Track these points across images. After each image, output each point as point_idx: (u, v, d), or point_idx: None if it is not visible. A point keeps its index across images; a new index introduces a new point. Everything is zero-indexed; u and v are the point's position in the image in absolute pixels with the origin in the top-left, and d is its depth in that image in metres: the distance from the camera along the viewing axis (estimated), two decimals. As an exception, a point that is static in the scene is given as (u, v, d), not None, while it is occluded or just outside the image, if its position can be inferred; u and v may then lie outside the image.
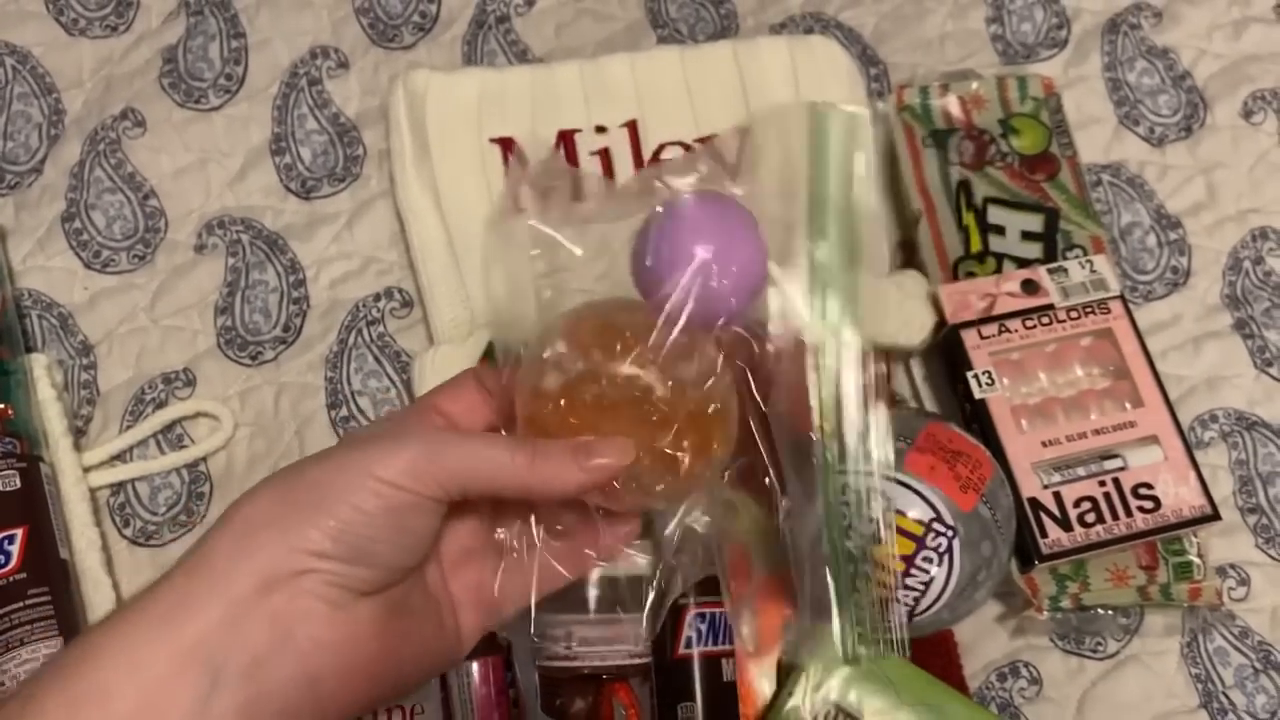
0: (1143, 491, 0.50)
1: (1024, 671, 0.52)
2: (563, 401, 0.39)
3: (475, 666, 0.49)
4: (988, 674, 0.52)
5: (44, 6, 0.64)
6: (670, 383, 0.39)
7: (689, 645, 0.48)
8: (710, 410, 0.40)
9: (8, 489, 0.50)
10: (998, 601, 0.53)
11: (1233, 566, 0.54)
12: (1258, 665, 0.52)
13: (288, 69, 0.62)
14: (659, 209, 0.42)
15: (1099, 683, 0.52)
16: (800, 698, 0.48)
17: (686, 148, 0.59)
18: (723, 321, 0.41)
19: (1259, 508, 0.55)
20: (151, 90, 0.62)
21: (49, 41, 0.63)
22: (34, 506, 0.50)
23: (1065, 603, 0.50)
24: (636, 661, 0.47)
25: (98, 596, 0.51)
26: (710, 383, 0.40)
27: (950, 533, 0.45)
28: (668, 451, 0.39)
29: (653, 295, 0.40)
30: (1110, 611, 0.51)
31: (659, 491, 0.40)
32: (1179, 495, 0.50)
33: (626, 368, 0.39)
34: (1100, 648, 0.52)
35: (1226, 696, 0.52)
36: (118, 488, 0.55)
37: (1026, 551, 0.50)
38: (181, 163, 0.60)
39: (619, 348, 0.39)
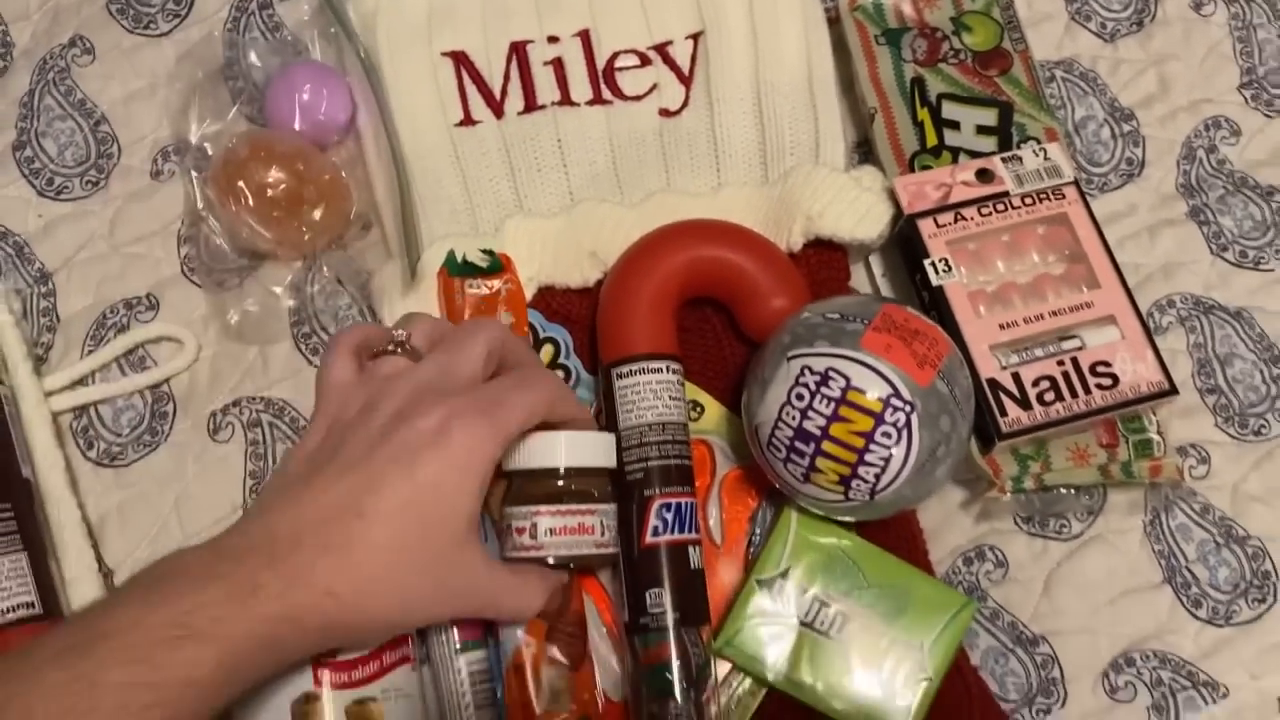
0: (1100, 369, 0.51)
1: (989, 555, 0.53)
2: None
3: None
4: (954, 558, 0.53)
5: (-13, -62, 0.63)
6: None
7: (655, 534, 0.48)
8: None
9: (-33, 409, 0.50)
10: (962, 487, 0.54)
11: (1193, 446, 0.54)
12: (1219, 539, 0.53)
13: (237, -8, 0.62)
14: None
15: (1064, 563, 0.52)
16: (768, 592, 0.49)
17: (641, 55, 0.59)
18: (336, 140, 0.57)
19: (1218, 388, 0.55)
20: (100, 18, 0.61)
21: (-7, -27, 0.62)
22: (-6, 426, 0.50)
23: (1028, 483, 0.51)
24: (603, 552, 0.47)
25: (61, 514, 0.51)
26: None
27: (908, 408, 0.45)
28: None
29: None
30: (1073, 490, 0.51)
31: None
32: (1136, 372, 0.51)
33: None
34: (1064, 529, 0.53)
35: (1190, 571, 0.52)
36: (80, 411, 0.55)
37: (987, 433, 0.50)
38: (132, 88, 0.60)
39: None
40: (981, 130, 0.57)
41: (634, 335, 0.51)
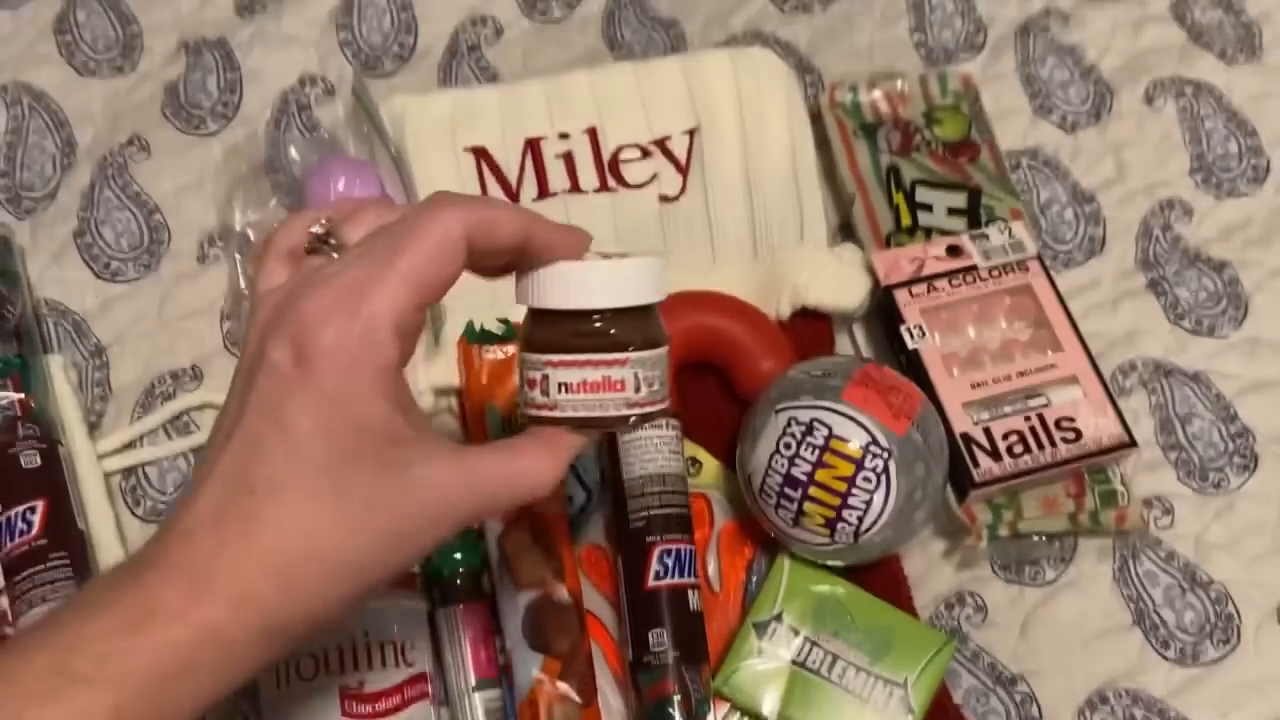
0: (1065, 424, 0.55)
1: (969, 600, 0.56)
2: None
3: (461, 610, 0.53)
4: (937, 604, 0.56)
5: (57, 51, 0.70)
6: None
7: (657, 578, 0.52)
8: None
9: (30, 466, 0.55)
10: (943, 538, 0.58)
11: (1158, 498, 0.58)
12: (1184, 584, 0.56)
13: (279, 96, 0.69)
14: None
15: (1039, 607, 0.56)
16: (762, 634, 0.53)
17: (642, 149, 0.65)
18: None
19: (1179, 444, 0.60)
20: (155, 119, 0.68)
21: (62, 82, 0.69)
22: (53, 482, 0.55)
23: (1002, 530, 0.55)
24: (636, 411, 0.37)
25: (111, 562, 0.56)
26: None
27: (885, 454, 0.49)
28: None
29: None
30: (1044, 538, 0.55)
31: None
32: (1098, 426, 0.55)
33: None
34: (1039, 575, 0.57)
35: (1158, 614, 0.56)
36: (129, 472, 0.60)
37: (962, 482, 0.54)
38: (182, 181, 0.66)
39: None
40: (953, 212, 0.63)
41: (637, 396, 0.56)
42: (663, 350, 0.38)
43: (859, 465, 0.49)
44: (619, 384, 0.37)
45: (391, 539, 0.34)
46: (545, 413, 0.37)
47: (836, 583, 0.54)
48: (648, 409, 0.38)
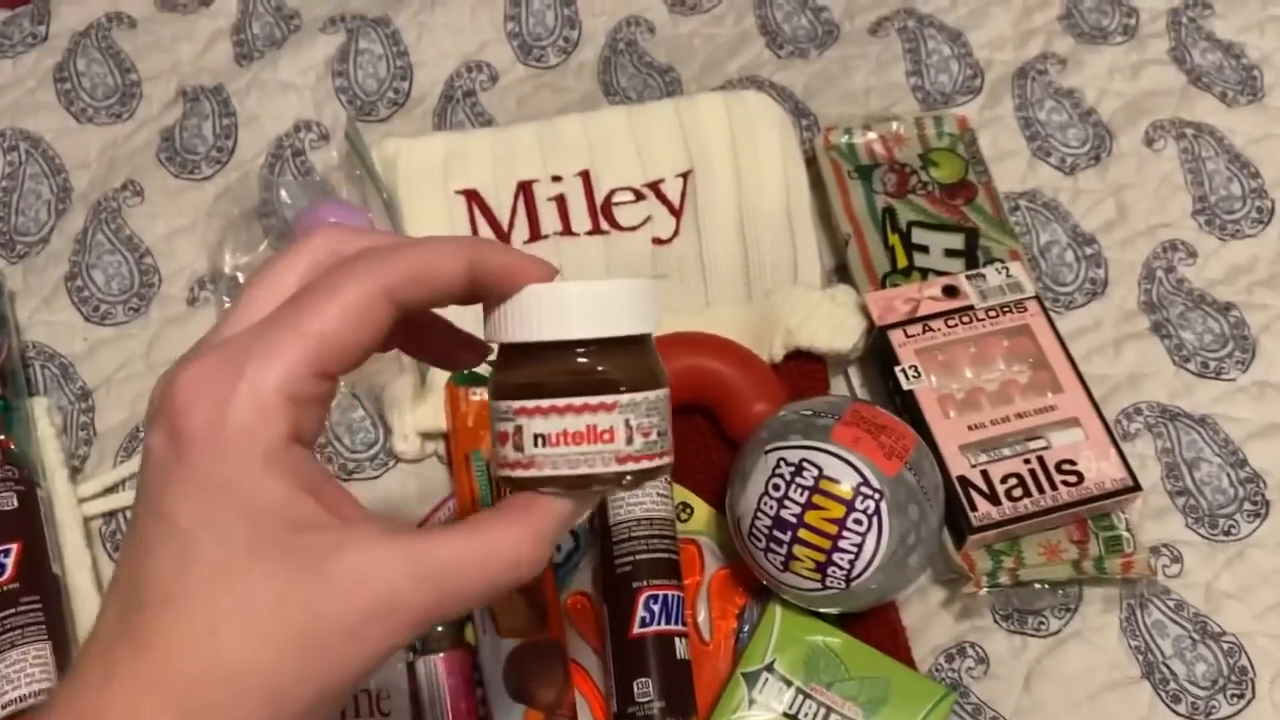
0: (1066, 467, 0.53)
1: (970, 651, 0.54)
2: None
3: (442, 659, 0.52)
4: (936, 656, 0.54)
5: (56, 98, 0.71)
6: None
7: (643, 625, 0.50)
8: None
9: (6, 508, 0.54)
10: (942, 587, 0.56)
11: (1166, 546, 0.56)
12: (1195, 636, 0.54)
13: (273, 141, 0.69)
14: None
15: (1044, 659, 0.54)
16: (753, 685, 0.51)
17: (635, 191, 0.65)
18: None
19: (1186, 490, 0.58)
20: (149, 164, 0.68)
21: (59, 128, 0.70)
22: (29, 524, 0.54)
23: (1002, 578, 0.53)
24: (626, 468, 0.30)
25: (86, 609, 0.54)
26: None
27: (877, 495, 0.48)
28: None
29: None
30: (1047, 586, 0.53)
31: None
32: (1101, 469, 0.53)
33: None
34: (1042, 626, 0.55)
35: (1167, 666, 0.53)
36: (110, 516, 0.59)
37: (959, 527, 0.53)
38: (175, 225, 0.66)
39: None
40: (950, 253, 0.62)
41: (625, 439, 0.55)
42: (662, 393, 0.31)
43: (850, 507, 0.48)
44: (606, 433, 0.30)
45: (311, 648, 0.27)
46: (520, 472, 0.30)
47: (831, 632, 0.52)
48: (644, 464, 0.30)
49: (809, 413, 0.51)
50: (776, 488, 0.49)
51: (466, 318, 0.34)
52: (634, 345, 0.31)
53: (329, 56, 0.71)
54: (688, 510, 0.57)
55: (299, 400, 0.28)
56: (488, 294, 0.31)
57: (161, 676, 0.27)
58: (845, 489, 0.48)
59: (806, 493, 0.48)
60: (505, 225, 0.64)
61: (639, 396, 0.30)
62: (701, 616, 0.54)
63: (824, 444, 0.49)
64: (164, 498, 0.28)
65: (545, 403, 0.30)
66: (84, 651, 0.28)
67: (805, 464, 0.49)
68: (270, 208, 0.66)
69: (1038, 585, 0.53)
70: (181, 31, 0.73)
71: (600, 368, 0.30)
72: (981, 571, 0.53)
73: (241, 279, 0.63)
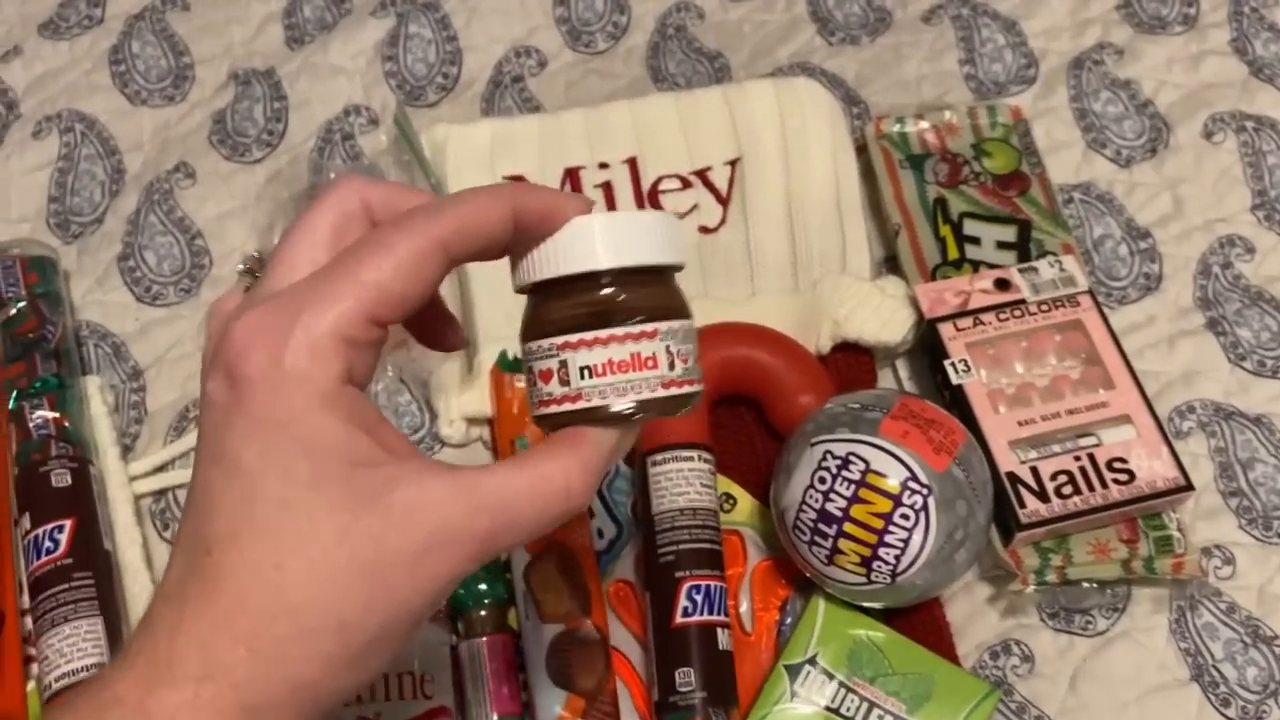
0: (1117, 465, 0.53)
1: (1016, 649, 0.54)
2: None
3: (485, 643, 0.52)
4: (980, 653, 0.54)
5: (111, 81, 0.71)
6: None
7: (685, 615, 0.50)
8: None
9: (60, 485, 0.55)
10: (987, 583, 0.55)
11: (1218, 547, 0.55)
12: (1246, 639, 0.53)
13: (323, 125, 0.69)
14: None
15: (1090, 659, 0.53)
16: (795, 678, 0.51)
17: (682, 179, 0.65)
18: None
19: (1240, 491, 0.57)
20: (201, 146, 0.69)
21: (114, 110, 0.70)
22: (82, 501, 0.55)
23: (1050, 576, 0.52)
24: (674, 392, 0.31)
25: (136, 585, 0.55)
26: None
27: (925, 490, 0.47)
28: None
29: None
30: (1095, 585, 0.53)
31: None
32: (1152, 468, 0.53)
33: None
34: (1090, 625, 0.54)
35: (1217, 670, 0.53)
36: (159, 495, 0.60)
37: (1007, 524, 0.52)
38: (226, 207, 0.67)
39: None
40: (1001, 245, 0.61)
41: (668, 426, 0.54)
42: (692, 322, 0.32)
43: (897, 501, 0.47)
44: (650, 360, 0.30)
45: (375, 579, 0.28)
46: (568, 405, 0.30)
47: (874, 627, 0.52)
48: (686, 389, 0.31)
49: (856, 406, 0.50)
50: (822, 480, 0.49)
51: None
52: (667, 275, 0.32)
53: (379, 41, 0.71)
54: (731, 501, 0.56)
55: (352, 344, 0.29)
56: (528, 235, 0.31)
57: (231, 614, 0.27)
58: (892, 483, 0.47)
59: (853, 486, 0.48)
60: (552, 212, 0.64)
61: (676, 324, 0.31)
62: (744, 608, 0.54)
63: (871, 437, 0.48)
64: (225, 440, 0.28)
65: (589, 335, 0.30)
66: (155, 597, 0.29)
67: (852, 457, 0.48)
68: (319, 191, 0.66)
69: (1086, 584, 0.52)
70: (234, 15, 0.73)
71: (629, 297, 0.31)
72: (1029, 569, 0.52)
73: (290, 262, 0.63)
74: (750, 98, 0.65)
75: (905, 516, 0.47)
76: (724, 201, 0.64)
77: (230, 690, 0.27)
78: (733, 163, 0.64)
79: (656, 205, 0.64)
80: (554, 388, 0.31)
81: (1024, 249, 0.60)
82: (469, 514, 0.29)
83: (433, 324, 0.36)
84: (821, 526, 0.48)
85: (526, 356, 0.32)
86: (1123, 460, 0.53)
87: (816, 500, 0.49)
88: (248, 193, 0.67)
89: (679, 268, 0.33)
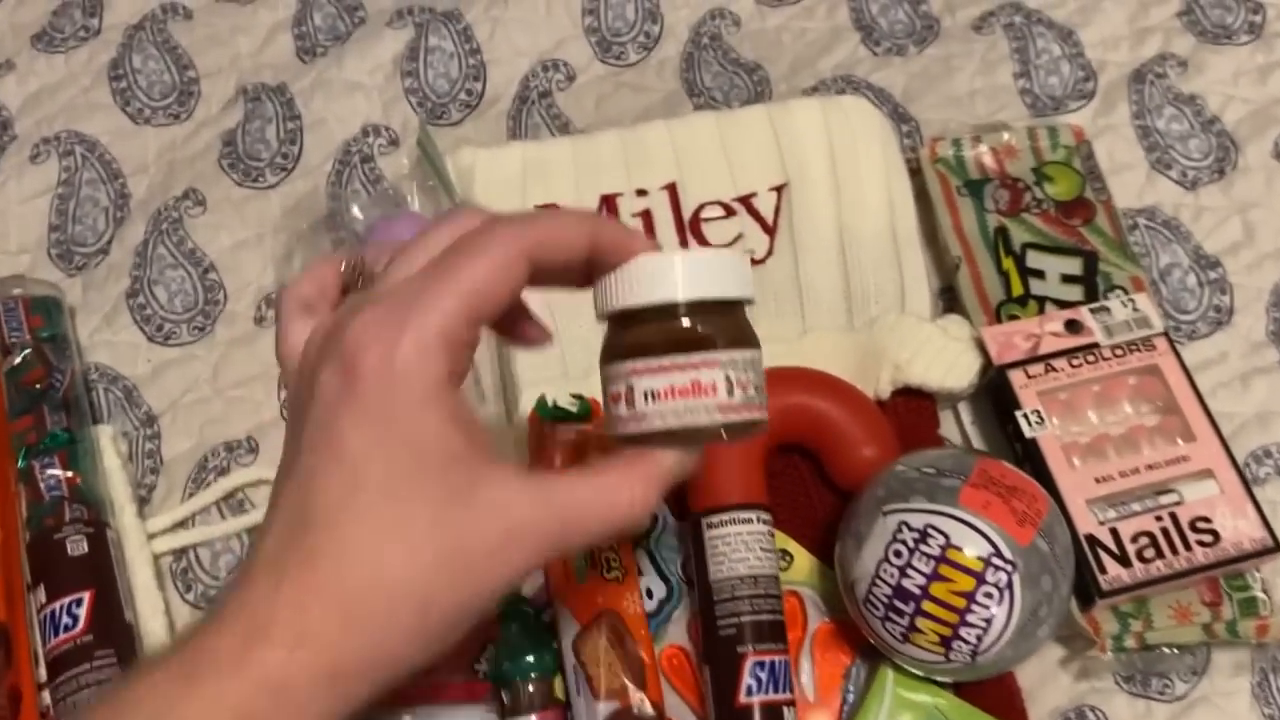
0: (1200, 525, 0.50)
1: (1090, 716, 0.51)
2: None
3: (535, 718, 0.49)
4: (1053, 719, 0.51)
5: (112, 98, 0.67)
6: None
7: (749, 694, 0.48)
8: None
9: (76, 553, 0.51)
10: (1060, 644, 0.52)
11: (1299, 603, 0.53)
12: (1333, 703, 0.51)
13: (340, 147, 0.65)
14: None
15: (1169, 725, 0.51)
16: (864, 743, 0.48)
17: (725, 207, 0.61)
18: None
19: (1322, 542, 0.54)
20: (211, 171, 0.64)
21: (116, 130, 0.66)
22: (101, 571, 0.52)
23: (1129, 642, 0.49)
24: (731, 419, 0.33)
25: (162, 658, 0.52)
26: None
27: (1010, 567, 0.44)
28: None
29: None
30: (1175, 650, 0.50)
31: None
32: (1238, 528, 0.50)
33: None
34: (1167, 689, 0.51)
35: (1303, 736, 0.50)
36: (180, 553, 0.56)
37: (1086, 590, 0.49)
38: (239, 237, 0.63)
39: None
40: (1067, 279, 0.57)
41: (724, 484, 0.51)
42: (757, 353, 0.35)
43: (980, 579, 0.44)
44: (710, 388, 0.33)
45: (460, 564, 0.31)
46: (633, 427, 0.34)
47: (943, 695, 0.49)
48: (744, 415, 0.34)
49: (931, 471, 0.47)
50: (898, 554, 0.46)
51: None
52: (732, 308, 0.34)
53: (397, 54, 0.67)
54: (788, 558, 0.54)
55: (455, 344, 0.32)
56: (601, 264, 0.34)
57: (328, 585, 0.30)
58: (975, 559, 0.45)
59: (932, 562, 0.45)
60: (589, 243, 0.60)
61: (737, 354, 0.34)
62: (805, 674, 0.51)
63: (951, 508, 0.45)
64: (334, 426, 0.31)
65: (654, 361, 0.33)
66: (251, 564, 0.31)
67: (930, 530, 0.45)
68: (339, 221, 0.63)
69: (1165, 649, 0.50)
70: (240, 24, 0.69)
71: (700, 327, 0.33)
72: (1107, 634, 0.50)
73: (311, 299, 0.59)
74: (796, 118, 0.61)
75: (989, 595, 0.44)
76: (771, 231, 0.60)
77: (322, 654, 0.30)
78: (779, 189, 0.61)
79: (698, 235, 0.60)
80: (622, 409, 0.34)
81: (1090, 283, 0.57)
82: (541, 515, 0.32)
83: (518, 322, 0.38)
84: (897, 603, 0.46)
85: (604, 380, 0.35)
86: (1206, 520, 0.50)
87: (892, 575, 0.46)
88: (262, 221, 0.63)
89: (749, 302, 0.35)
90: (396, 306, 0.31)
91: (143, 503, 0.58)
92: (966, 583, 0.45)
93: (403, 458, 0.31)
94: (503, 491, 0.32)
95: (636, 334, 0.34)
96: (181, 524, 0.57)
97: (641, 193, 0.61)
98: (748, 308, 0.35)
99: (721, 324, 0.34)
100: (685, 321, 0.33)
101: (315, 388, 0.32)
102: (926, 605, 0.45)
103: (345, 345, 0.31)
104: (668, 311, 0.33)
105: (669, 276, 0.33)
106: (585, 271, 0.34)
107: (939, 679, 0.49)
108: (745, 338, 0.34)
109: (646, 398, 0.33)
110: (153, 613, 0.53)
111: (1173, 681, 0.52)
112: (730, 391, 0.33)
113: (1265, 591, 0.51)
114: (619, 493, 0.33)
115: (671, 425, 0.33)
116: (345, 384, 0.31)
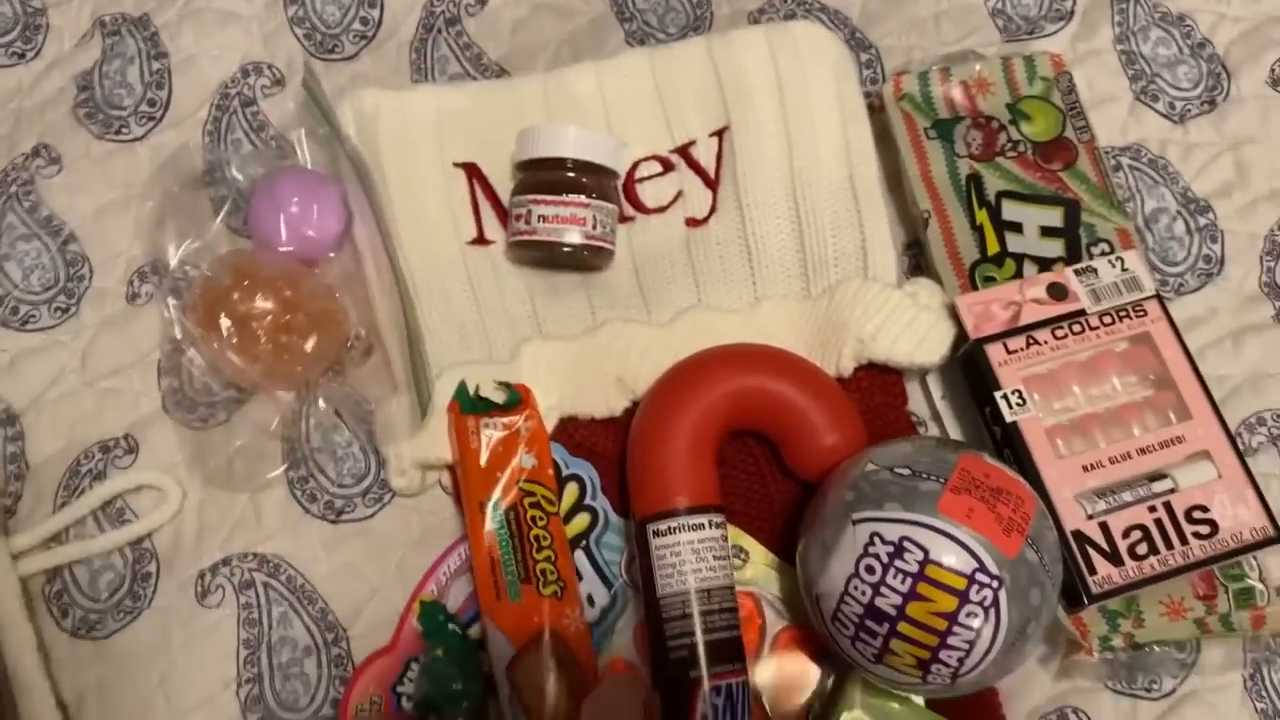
0: (1197, 515, 0.45)
1: (1073, 717, 0.47)
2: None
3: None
4: (1034, 722, 0.47)
5: (-60, 35, 0.57)
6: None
7: (705, 723, 0.43)
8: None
9: (-78, 592, 0.44)
10: (1041, 641, 0.48)
11: (1294, 586, 0.49)
12: (1329, 695, 0.47)
13: (217, 89, 0.56)
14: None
15: (1157, 725, 0.47)
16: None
17: (662, 161, 0.54)
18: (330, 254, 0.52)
19: (1318, 518, 0.50)
20: (66, 122, 0.55)
21: (-52, 74, 0.57)
22: (-46, 609, 0.45)
23: (1117, 642, 0.45)
24: (591, 243, 0.50)
25: (34, 704, 0.45)
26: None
27: (996, 583, 0.39)
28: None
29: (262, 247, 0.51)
30: (1166, 648, 0.46)
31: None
32: (1237, 517, 0.45)
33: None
34: (1155, 686, 0.48)
35: (1298, 731, 0.47)
36: (53, 574, 0.49)
37: (1074, 591, 0.44)
38: (103, 200, 0.54)
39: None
40: (1047, 232, 0.51)
41: (671, 485, 0.45)
42: (614, 208, 0.51)
43: (963, 598, 0.39)
44: (582, 221, 0.49)
45: None
46: (525, 237, 0.50)
47: (908, 702, 0.45)
48: (601, 244, 0.50)
49: (906, 471, 0.41)
50: (870, 570, 0.40)
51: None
52: (605, 174, 0.51)
53: (279, -23, 0.58)
54: (743, 555, 0.48)
55: None
56: None
57: None
58: (957, 576, 0.39)
59: (909, 580, 0.40)
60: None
61: (604, 204, 0.50)
62: (764, 681, 0.46)
63: (929, 518, 0.40)
64: None
65: (548, 196, 0.50)
66: None
67: (907, 543, 0.40)
68: (218, 175, 0.54)
69: (1156, 648, 0.46)
70: (92, -58, 0.59)
71: (582, 179, 0.50)
72: (1094, 636, 0.45)
73: (191, 273, 0.51)
74: (737, 49, 0.54)
75: (972, 614, 0.39)
76: (712, 184, 0.53)
77: None
78: (719, 133, 0.54)
79: (634, 201, 0.53)
80: (521, 225, 0.50)
81: (1072, 236, 0.51)
82: None
83: None
84: (869, 623, 0.40)
85: (511, 206, 0.51)
86: (1203, 509, 0.45)
87: (863, 593, 0.40)
88: (129, 181, 0.55)
89: (617, 175, 0.52)
90: None
91: (7, 515, 0.50)
92: (948, 602, 0.39)
93: None
94: None
95: (538, 175, 0.50)
96: (53, 539, 0.50)
97: (569, 147, 0.54)
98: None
99: (594, 182, 0.50)
100: (571, 172, 0.50)
101: None
102: (903, 627, 0.40)
103: None
104: (561, 164, 0.50)
105: (565, 139, 0.50)
106: None
107: (913, 696, 0.44)
108: (609, 197, 0.51)
109: (539, 219, 0.49)
110: (22, 651, 0.46)
111: (1160, 678, 0.48)
112: (595, 226, 0.50)
113: (1263, 581, 0.46)
114: None
115: (552, 239, 0.49)
116: None
